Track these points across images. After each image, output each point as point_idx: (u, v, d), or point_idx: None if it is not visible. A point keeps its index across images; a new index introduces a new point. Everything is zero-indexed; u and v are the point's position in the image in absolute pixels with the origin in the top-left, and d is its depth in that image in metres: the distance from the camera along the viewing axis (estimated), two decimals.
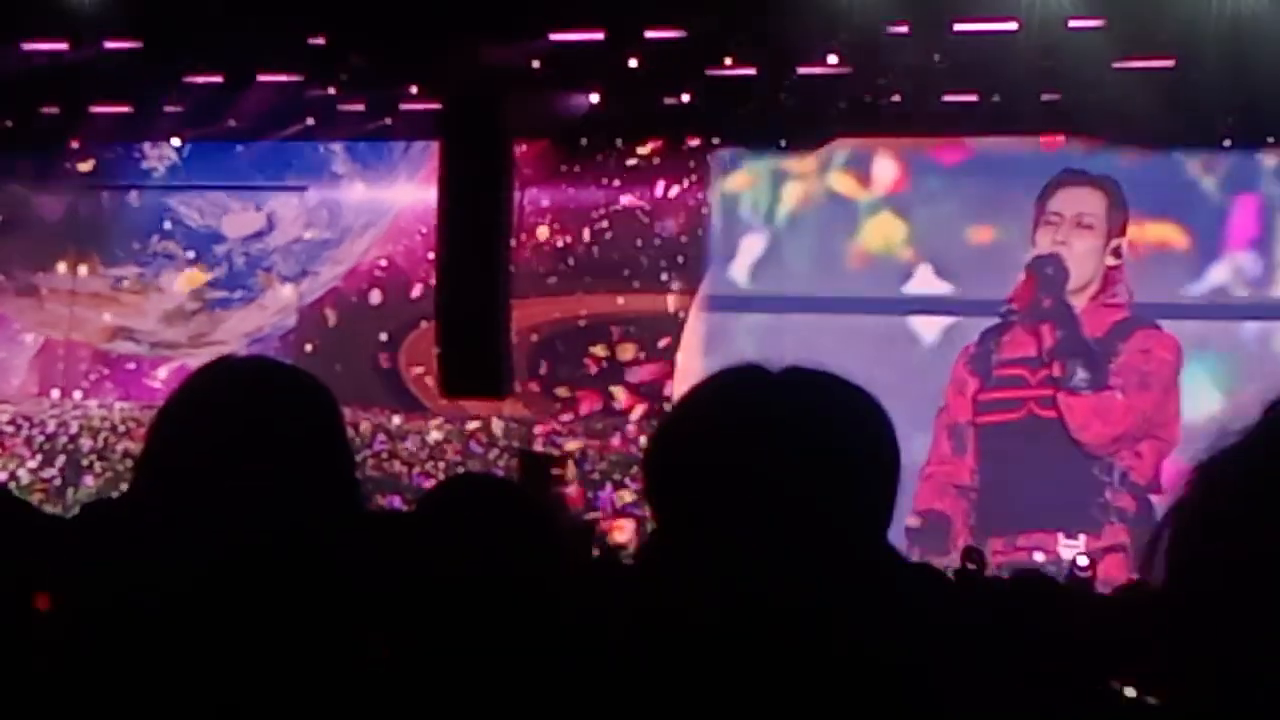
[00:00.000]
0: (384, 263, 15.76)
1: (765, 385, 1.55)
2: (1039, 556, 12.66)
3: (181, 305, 16.47)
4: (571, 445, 14.72)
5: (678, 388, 14.46)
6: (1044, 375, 13.43)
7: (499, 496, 2.37)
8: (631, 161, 14.89)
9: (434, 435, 15.24)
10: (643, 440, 14.42)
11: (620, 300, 14.89)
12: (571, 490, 13.75)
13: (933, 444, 13.36)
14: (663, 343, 14.75)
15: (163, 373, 16.28)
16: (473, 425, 15.07)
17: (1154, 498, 12.80)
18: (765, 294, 14.26)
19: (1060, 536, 12.85)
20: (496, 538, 2.24)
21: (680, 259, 14.80)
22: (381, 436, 15.26)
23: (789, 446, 1.50)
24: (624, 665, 1.52)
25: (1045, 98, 12.73)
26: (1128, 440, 13.01)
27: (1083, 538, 12.82)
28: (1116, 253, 13.33)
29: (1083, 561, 11.70)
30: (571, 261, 15.07)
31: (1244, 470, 1.11)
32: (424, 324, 14.52)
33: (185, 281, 16.43)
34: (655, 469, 1.58)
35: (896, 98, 13.02)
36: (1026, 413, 13.35)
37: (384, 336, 15.57)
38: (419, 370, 15.10)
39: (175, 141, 15.75)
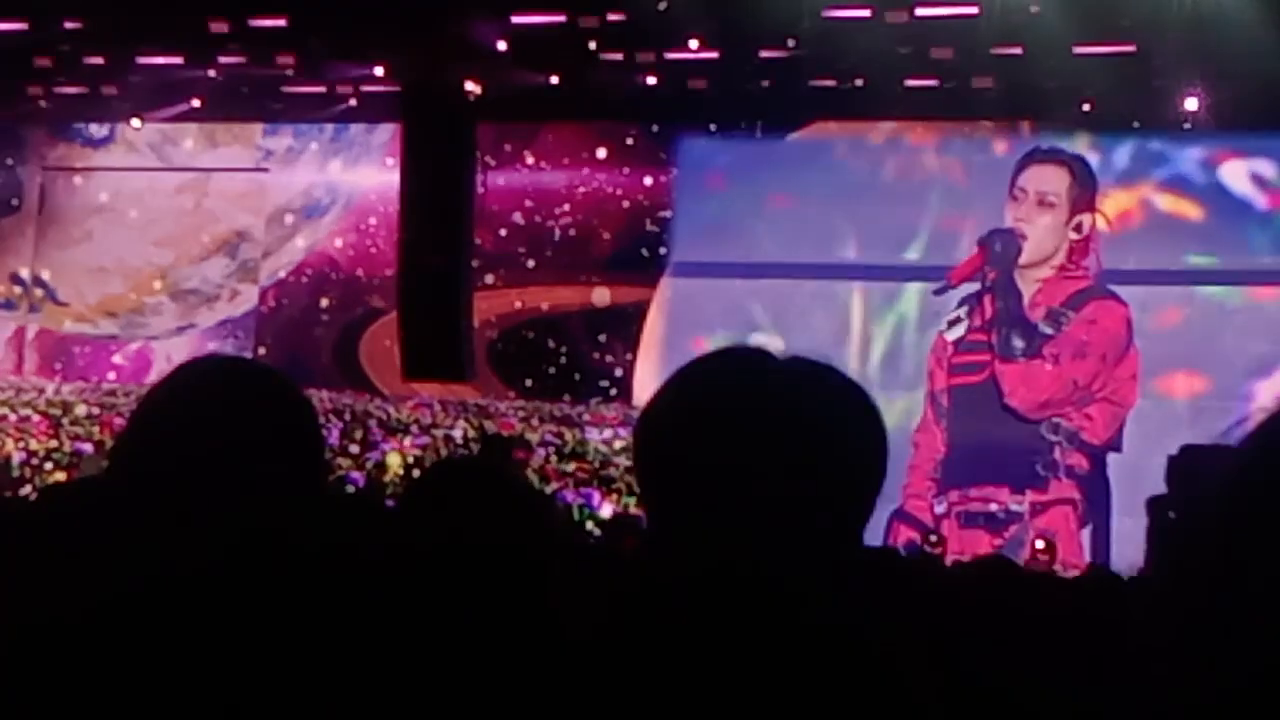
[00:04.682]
0: (339, 244, 15.71)
1: (766, 374, 1.55)
2: (992, 506, 13.36)
3: (310, 188, 15.87)
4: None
5: (641, 366, 14.49)
6: None
7: (488, 481, 2.38)
8: (597, 148, 14.89)
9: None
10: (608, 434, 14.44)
11: (586, 289, 14.88)
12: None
13: (923, 411, 13.89)
14: (628, 330, 14.73)
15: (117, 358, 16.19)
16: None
17: (1110, 456, 13.31)
18: (734, 261, 14.33)
19: (1008, 490, 13.38)
20: (486, 521, 2.25)
21: (644, 248, 14.80)
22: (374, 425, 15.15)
23: (784, 439, 1.51)
24: (609, 648, 1.52)
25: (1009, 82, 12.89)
26: (1057, 405, 13.47)
27: (1029, 492, 13.33)
28: (1079, 228, 13.67)
29: (1040, 545, 11.87)
30: (534, 248, 15.06)
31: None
32: (385, 310, 14.48)
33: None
34: (648, 447, 1.57)
35: (859, 82, 13.08)
36: (987, 375, 13.77)
37: (345, 321, 15.52)
38: (380, 354, 15.03)
39: (135, 123, 15.63)
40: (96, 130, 16.38)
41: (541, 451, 14.35)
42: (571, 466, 14.41)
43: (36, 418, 15.88)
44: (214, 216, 16.13)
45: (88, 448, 15.46)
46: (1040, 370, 13.55)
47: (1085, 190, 13.71)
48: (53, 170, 16.63)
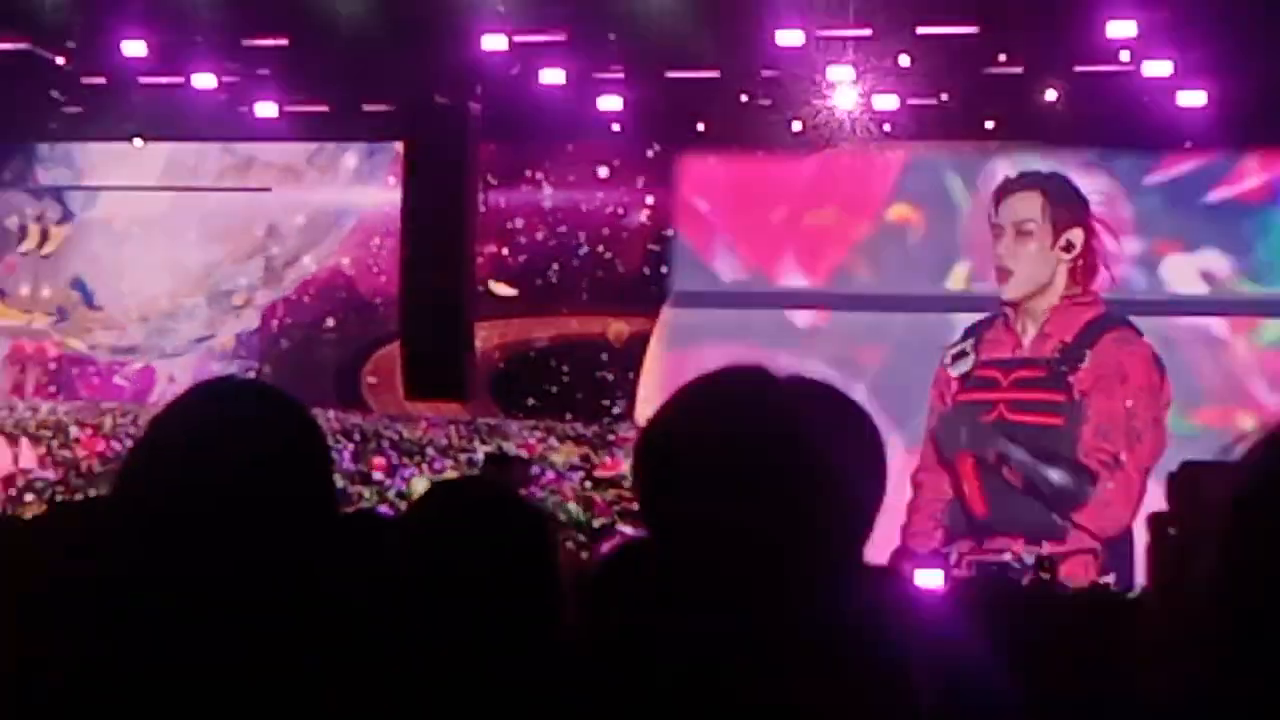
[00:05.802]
0: (346, 261, 15.69)
1: (767, 392, 1.56)
2: (1006, 556, 12.71)
3: (345, 196, 15.61)
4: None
5: (645, 381, 14.43)
6: (1015, 378, 13.37)
7: (492, 502, 2.38)
8: (598, 167, 14.88)
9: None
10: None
11: (588, 310, 14.84)
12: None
13: (923, 448, 13.35)
14: (631, 350, 14.67)
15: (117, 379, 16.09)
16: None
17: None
18: (736, 289, 14.21)
19: (1023, 542, 12.79)
20: (489, 542, 2.26)
21: (646, 268, 14.78)
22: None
23: (784, 455, 1.51)
24: (612, 664, 1.53)
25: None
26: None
27: (1046, 544, 12.73)
28: (1068, 247, 13.29)
29: (1046, 564, 11.69)
30: (537, 268, 15.05)
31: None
32: (389, 331, 14.42)
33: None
34: (649, 464, 1.58)
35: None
36: (996, 416, 13.27)
37: (350, 342, 15.48)
38: (384, 376, 14.96)
39: (138, 142, 15.61)
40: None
41: (574, 475, 14.23)
42: (611, 494, 14.20)
43: (25, 441, 15.73)
44: (265, 212, 15.79)
45: (74, 471, 15.36)
46: (1110, 494, 12.98)
47: (1062, 209, 13.28)
48: (95, 182, 16.28)
